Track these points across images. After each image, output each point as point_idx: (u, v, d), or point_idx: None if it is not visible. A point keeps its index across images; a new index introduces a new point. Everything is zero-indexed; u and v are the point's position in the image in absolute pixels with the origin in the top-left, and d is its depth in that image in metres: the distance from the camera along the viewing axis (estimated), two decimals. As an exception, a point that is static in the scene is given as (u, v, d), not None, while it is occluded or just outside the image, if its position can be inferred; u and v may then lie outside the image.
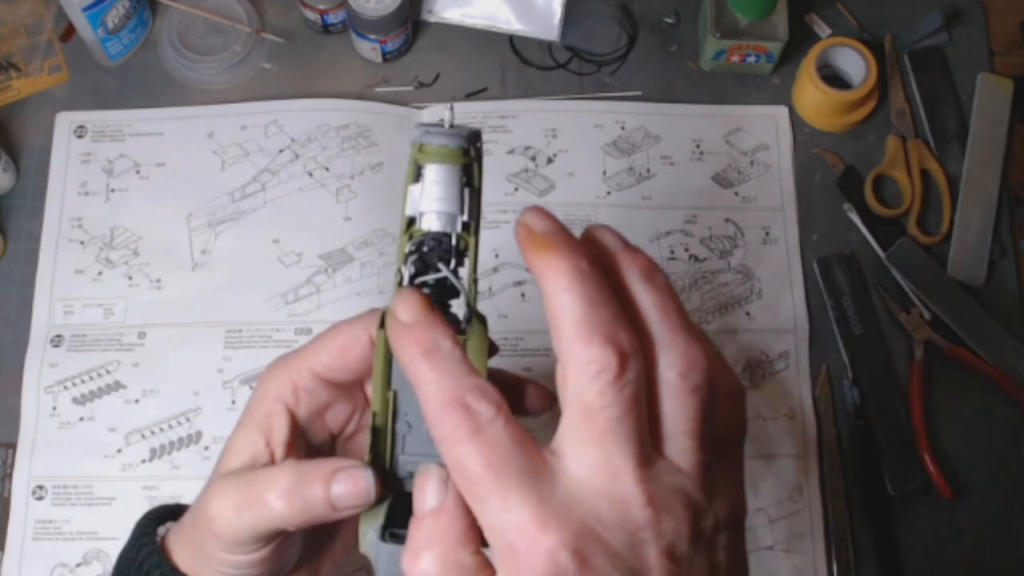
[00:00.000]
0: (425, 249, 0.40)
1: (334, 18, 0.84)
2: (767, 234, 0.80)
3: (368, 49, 0.83)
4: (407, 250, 0.40)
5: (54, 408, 0.75)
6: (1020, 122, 0.84)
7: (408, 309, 0.37)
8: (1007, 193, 0.82)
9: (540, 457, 0.33)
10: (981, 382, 0.77)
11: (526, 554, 0.31)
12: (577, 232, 0.36)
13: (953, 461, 0.75)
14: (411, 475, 0.41)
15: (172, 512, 0.47)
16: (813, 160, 0.83)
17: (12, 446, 0.74)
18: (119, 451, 0.74)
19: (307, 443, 0.44)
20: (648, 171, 0.81)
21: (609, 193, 0.80)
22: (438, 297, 0.40)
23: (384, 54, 0.83)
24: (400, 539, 0.39)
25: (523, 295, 0.77)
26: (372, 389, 0.40)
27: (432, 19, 0.86)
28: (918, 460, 0.74)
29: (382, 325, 0.40)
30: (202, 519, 0.41)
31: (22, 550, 0.71)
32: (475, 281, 0.40)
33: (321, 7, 0.82)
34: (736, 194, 0.81)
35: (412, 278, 0.39)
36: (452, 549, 0.34)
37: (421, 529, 0.34)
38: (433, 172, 0.39)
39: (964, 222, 0.80)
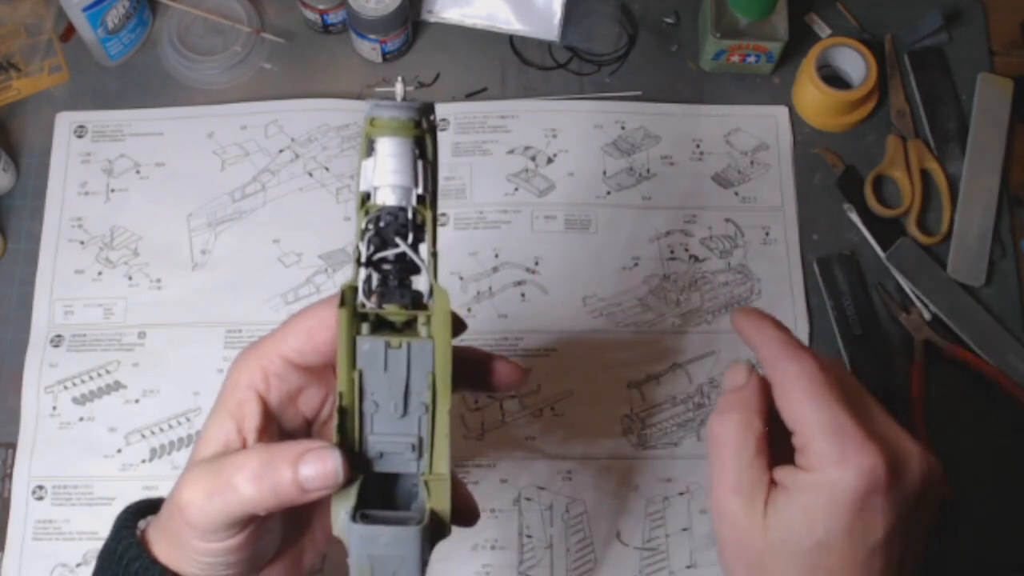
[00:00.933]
0: (382, 224, 0.39)
1: (334, 18, 0.84)
2: (767, 234, 0.80)
3: (368, 49, 0.83)
4: (363, 226, 0.39)
5: (54, 408, 0.75)
6: (1020, 122, 0.84)
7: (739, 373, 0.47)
8: (1007, 193, 0.82)
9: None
10: (981, 382, 0.77)
11: (855, 458, 0.42)
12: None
13: (953, 461, 0.75)
14: (381, 455, 0.41)
15: (152, 506, 0.47)
16: (813, 160, 0.83)
17: (12, 446, 0.74)
18: (119, 451, 0.74)
19: (281, 429, 0.44)
20: (648, 171, 0.81)
21: (609, 193, 0.80)
22: (398, 272, 0.39)
23: (384, 54, 0.84)
24: (372, 520, 0.39)
25: (523, 295, 0.78)
26: (338, 368, 0.40)
27: (432, 19, 0.86)
28: (918, 460, 0.74)
29: (342, 303, 0.39)
30: (175, 508, 0.42)
31: (22, 550, 0.71)
32: (434, 255, 0.40)
33: (321, 7, 0.82)
34: (736, 194, 0.81)
35: (370, 255, 0.39)
36: (751, 415, 0.45)
37: (730, 397, 0.46)
38: (385, 145, 0.39)
39: (964, 222, 0.80)
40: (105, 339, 0.76)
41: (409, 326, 0.41)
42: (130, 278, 0.78)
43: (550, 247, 0.79)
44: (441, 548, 0.73)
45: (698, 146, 0.82)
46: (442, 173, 0.80)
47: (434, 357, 0.40)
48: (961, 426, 0.76)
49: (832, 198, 0.81)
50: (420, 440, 0.41)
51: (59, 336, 0.76)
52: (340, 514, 0.40)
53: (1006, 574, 0.73)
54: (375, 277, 0.40)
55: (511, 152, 0.81)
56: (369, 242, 0.39)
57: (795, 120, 0.83)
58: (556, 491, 0.73)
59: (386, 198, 0.39)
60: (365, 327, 0.40)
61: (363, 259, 0.39)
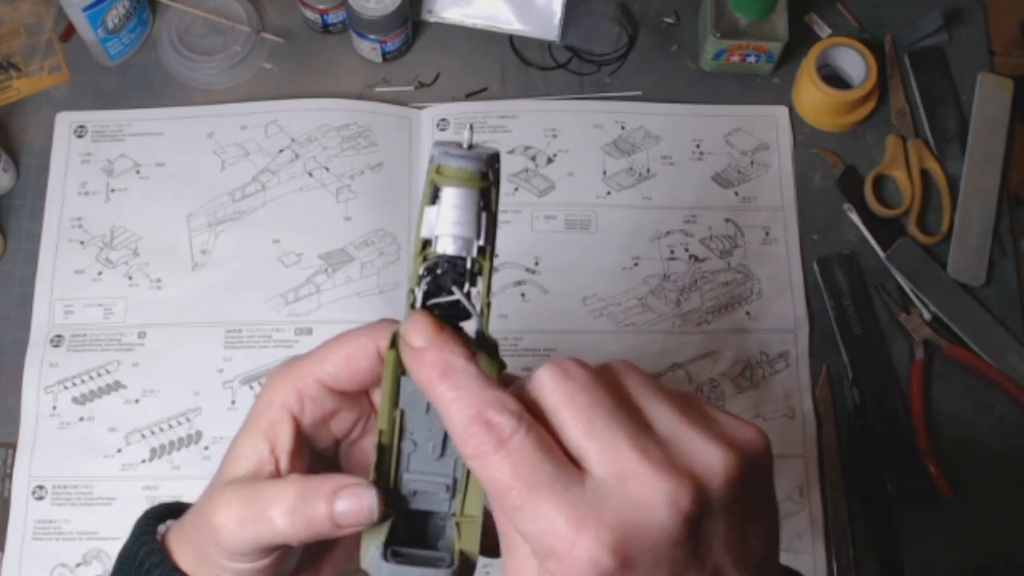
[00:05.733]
0: (439, 272, 0.39)
1: (334, 18, 0.84)
2: (767, 234, 0.80)
3: (368, 49, 0.83)
4: (421, 272, 0.39)
5: (54, 408, 0.75)
6: (1020, 122, 0.84)
7: (419, 334, 0.37)
8: (1007, 193, 0.82)
9: (565, 459, 0.34)
10: (981, 382, 0.77)
11: (568, 558, 0.32)
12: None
13: (953, 461, 0.75)
14: (415, 493, 0.41)
15: (172, 510, 0.47)
16: (813, 160, 0.83)
17: (12, 446, 0.74)
18: (119, 451, 0.74)
19: (311, 449, 0.44)
20: (648, 171, 0.81)
21: (609, 193, 0.80)
22: (449, 319, 0.39)
23: (384, 54, 0.83)
24: (401, 558, 0.40)
25: (523, 295, 0.77)
26: (380, 406, 0.40)
27: (432, 19, 0.86)
28: (918, 460, 0.74)
29: (393, 344, 0.39)
30: (206, 527, 0.42)
31: (22, 550, 0.71)
32: (488, 305, 0.40)
33: (321, 7, 0.82)
34: (736, 194, 0.81)
35: (424, 299, 0.39)
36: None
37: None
38: (451, 195, 0.38)
39: (964, 222, 0.80)
40: (105, 339, 0.76)
41: None
42: (130, 278, 0.78)
43: (550, 247, 0.79)
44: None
45: (698, 146, 0.82)
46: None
47: None
48: (961, 426, 0.76)
49: (832, 198, 0.81)
50: (455, 481, 0.41)
51: (59, 336, 0.76)
52: (371, 549, 0.40)
53: (1006, 574, 0.73)
54: None
55: (511, 152, 0.81)
56: (425, 286, 0.39)
57: (795, 120, 0.83)
58: (556, 491, 0.73)
59: (446, 247, 0.39)
60: None
61: (418, 304, 0.39)
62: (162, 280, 0.78)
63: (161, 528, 0.46)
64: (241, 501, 0.41)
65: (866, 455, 0.74)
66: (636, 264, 0.79)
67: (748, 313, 0.78)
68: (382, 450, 0.40)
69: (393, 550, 0.40)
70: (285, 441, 0.43)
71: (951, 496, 0.73)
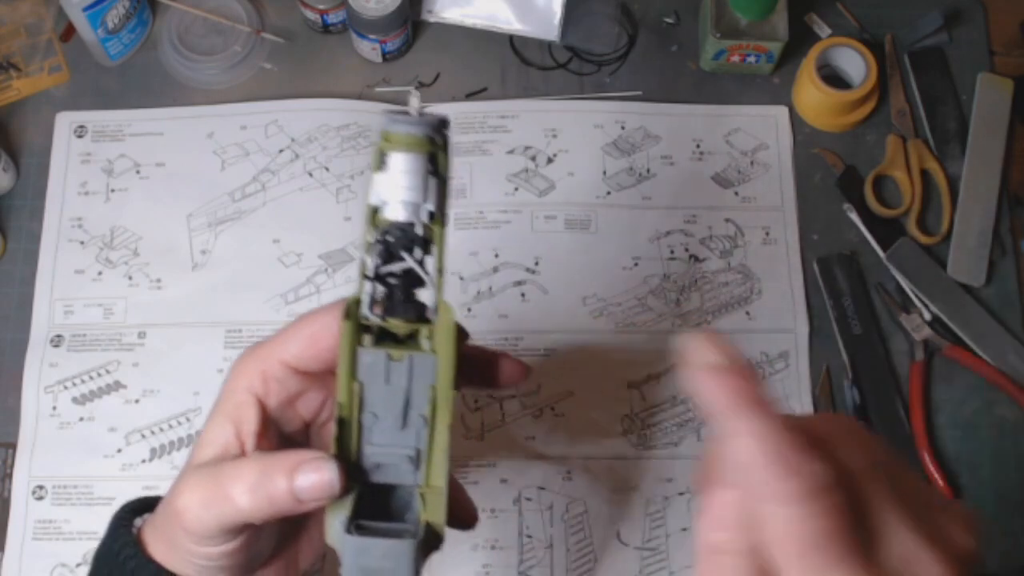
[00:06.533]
0: (390, 239, 0.39)
1: (334, 18, 0.84)
2: (767, 234, 0.80)
3: (368, 49, 0.83)
4: (371, 240, 0.39)
5: (54, 408, 0.75)
6: (1020, 122, 0.84)
7: (716, 351, 0.33)
8: (1007, 193, 0.82)
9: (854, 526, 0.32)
10: (981, 382, 0.77)
11: None
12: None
13: (953, 461, 0.75)
14: (378, 466, 0.41)
15: (148, 504, 0.47)
16: (813, 160, 0.83)
17: (12, 446, 0.74)
18: (119, 451, 0.74)
19: (280, 432, 0.44)
20: (648, 171, 0.81)
21: (609, 193, 0.80)
22: (404, 286, 0.39)
23: (384, 54, 0.83)
24: (366, 531, 0.39)
25: (523, 295, 0.77)
26: (338, 379, 0.40)
27: (432, 19, 0.86)
28: (918, 460, 0.74)
29: (347, 316, 0.39)
30: (172, 513, 0.42)
31: (22, 550, 0.71)
32: (441, 271, 0.40)
33: (321, 7, 0.82)
34: (736, 194, 0.81)
35: (377, 268, 0.39)
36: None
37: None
38: (398, 161, 0.39)
39: (964, 222, 0.80)
40: (105, 339, 0.76)
41: (412, 339, 0.41)
42: (130, 278, 0.78)
43: (550, 247, 0.79)
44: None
45: (698, 146, 0.82)
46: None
47: (436, 371, 0.40)
48: (961, 426, 0.76)
49: (832, 198, 0.81)
50: (418, 452, 0.41)
51: (59, 336, 0.76)
52: (334, 524, 0.40)
53: (1006, 575, 0.73)
54: (380, 290, 0.40)
55: (511, 152, 0.81)
56: (377, 255, 0.39)
57: (795, 120, 0.83)
58: (556, 491, 0.73)
59: (396, 213, 0.39)
60: (368, 339, 0.40)
61: (370, 272, 0.39)
62: (162, 280, 0.78)
63: (138, 521, 0.46)
64: (203, 483, 0.41)
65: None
66: (636, 264, 0.79)
67: (748, 313, 0.78)
68: (342, 423, 0.40)
69: (357, 524, 0.39)
70: (250, 424, 0.42)
71: (951, 496, 0.73)
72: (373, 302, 0.40)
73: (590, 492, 0.73)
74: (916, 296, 0.78)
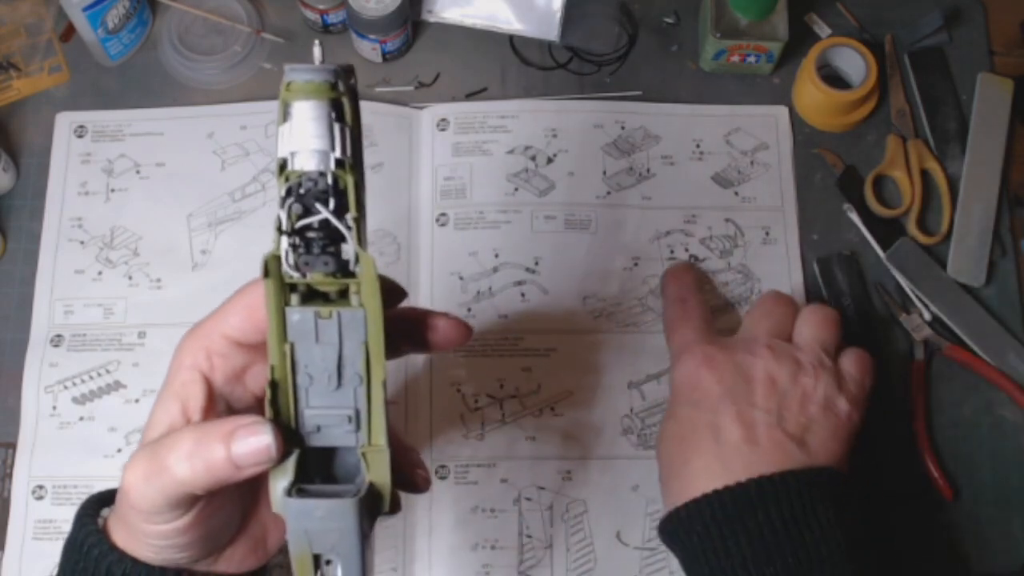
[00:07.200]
0: (302, 191, 0.38)
1: (334, 18, 0.84)
2: (767, 234, 0.80)
3: (368, 49, 0.83)
4: (283, 193, 0.38)
5: (54, 408, 0.75)
6: (1020, 122, 0.84)
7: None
8: (1007, 193, 0.82)
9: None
10: (981, 382, 0.77)
11: (687, 351, 0.66)
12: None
13: (953, 461, 0.75)
14: (318, 429, 0.40)
15: (114, 495, 0.47)
16: (813, 160, 0.83)
17: (12, 446, 0.74)
18: (119, 451, 0.74)
19: (230, 408, 0.44)
20: (648, 171, 0.81)
21: (609, 193, 0.80)
22: (324, 240, 0.38)
23: (384, 54, 0.84)
24: (307, 494, 0.39)
25: (523, 295, 0.77)
26: (268, 341, 0.39)
27: (432, 19, 0.86)
28: (918, 460, 0.74)
29: (267, 274, 0.38)
30: (122, 494, 0.42)
31: (22, 550, 0.71)
32: (357, 220, 0.39)
33: (321, 7, 0.82)
34: (736, 194, 0.81)
35: (292, 223, 0.38)
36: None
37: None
38: (301, 109, 0.38)
39: (964, 222, 0.80)
40: (105, 339, 0.76)
41: (343, 296, 0.40)
42: (130, 278, 0.78)
43: (550, 247, 0.79)
44: (441, 547, 0.73)
45: (698, 146, 0.82)
46: (442, 173, 0.80)
47: (366, 326, 0.39)
48: (961, 426, 0.76)
49: (832, 198, 0.81)
50: (357, 412, 0.40)
51: (59, 336, 0.77)
52: (277, 490, 0.39)
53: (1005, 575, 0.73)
54: (301, 245, 0.39)
55: (511, 152, 0.81)
56: (290, 209, 0.38)
57: (795, 120, 0.83)
58: (556, 491, 0.73)
59: (304, 163, 0.38)
60: (295, 298, 0.39)
61: (284, 227, 0.38)
62: (162, 280, 0.78)
63: (105, 512, 0.46)
64: (145, 458, 0.41)
65: (866, 455, 0.74)
66: (636, 264, 0.79)
67: (748, 313, 0.78)
68: (275, 386, 0.39)
69: (298, 487, 0.39)
70: (196, 401, 0.42)
71: (951, 496, 0.73)
72: (296, 259, 0.39)
73: (590, 492, 0.73)
74: (916, 296, 0.78)
